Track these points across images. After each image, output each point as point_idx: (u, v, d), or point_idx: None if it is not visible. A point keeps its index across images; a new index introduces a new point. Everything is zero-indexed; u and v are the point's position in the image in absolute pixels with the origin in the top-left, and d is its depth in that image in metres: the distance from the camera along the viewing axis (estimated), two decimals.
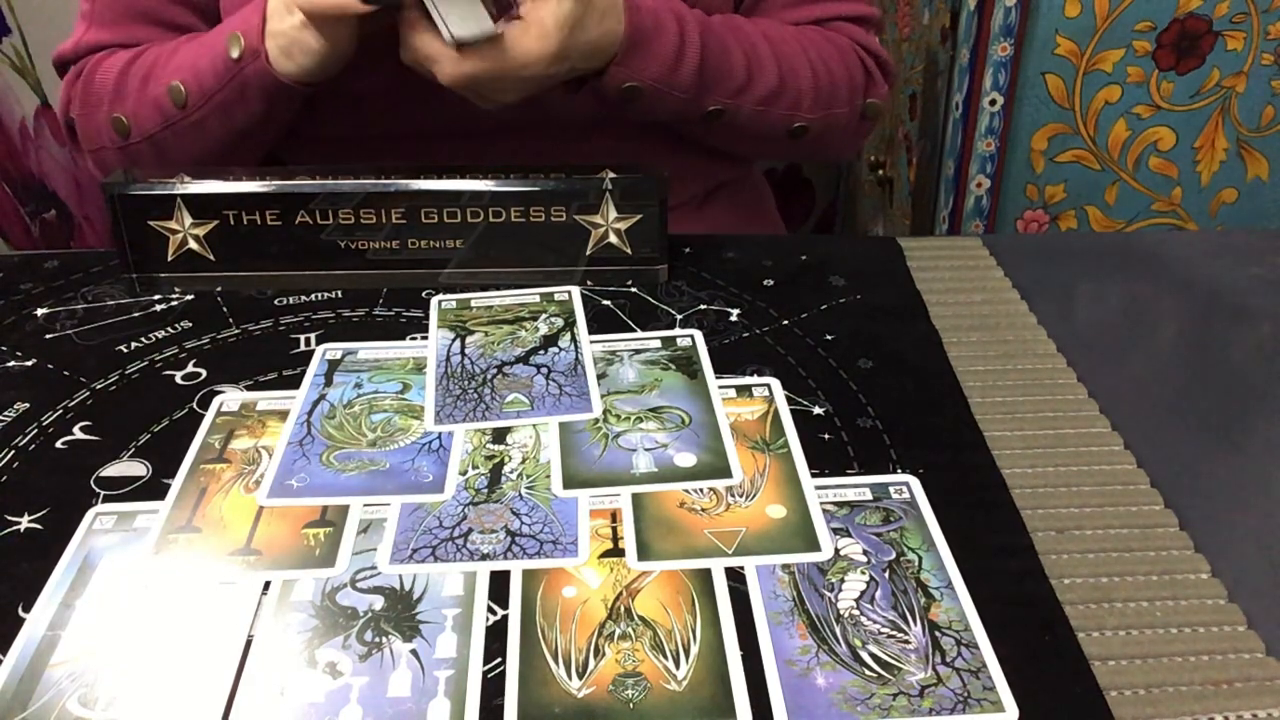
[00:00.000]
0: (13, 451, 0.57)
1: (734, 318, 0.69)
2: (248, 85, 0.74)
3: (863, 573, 0.48)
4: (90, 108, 0.82)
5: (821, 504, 0.52)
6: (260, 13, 0.73)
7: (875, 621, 0.46)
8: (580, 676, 0.43)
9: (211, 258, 0.70)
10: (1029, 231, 1.26)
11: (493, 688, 0.43)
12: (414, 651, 0.45)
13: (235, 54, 0.73)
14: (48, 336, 0.67)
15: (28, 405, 0.60)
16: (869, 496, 0.53)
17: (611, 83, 0.74)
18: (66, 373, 0.63)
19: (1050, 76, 1.16)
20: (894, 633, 0.45)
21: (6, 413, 0.60)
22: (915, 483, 0.54)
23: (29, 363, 0.64)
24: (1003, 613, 0.46)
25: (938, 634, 0.45)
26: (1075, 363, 0.65)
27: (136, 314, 0.69)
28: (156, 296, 0.71)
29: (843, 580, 0.48)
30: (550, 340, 0.65)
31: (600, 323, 0.68)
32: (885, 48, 0.91)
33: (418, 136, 0.82)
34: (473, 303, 0.69)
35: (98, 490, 0.54)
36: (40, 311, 0.70)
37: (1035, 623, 0.46)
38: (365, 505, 0.52)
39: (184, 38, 0.81)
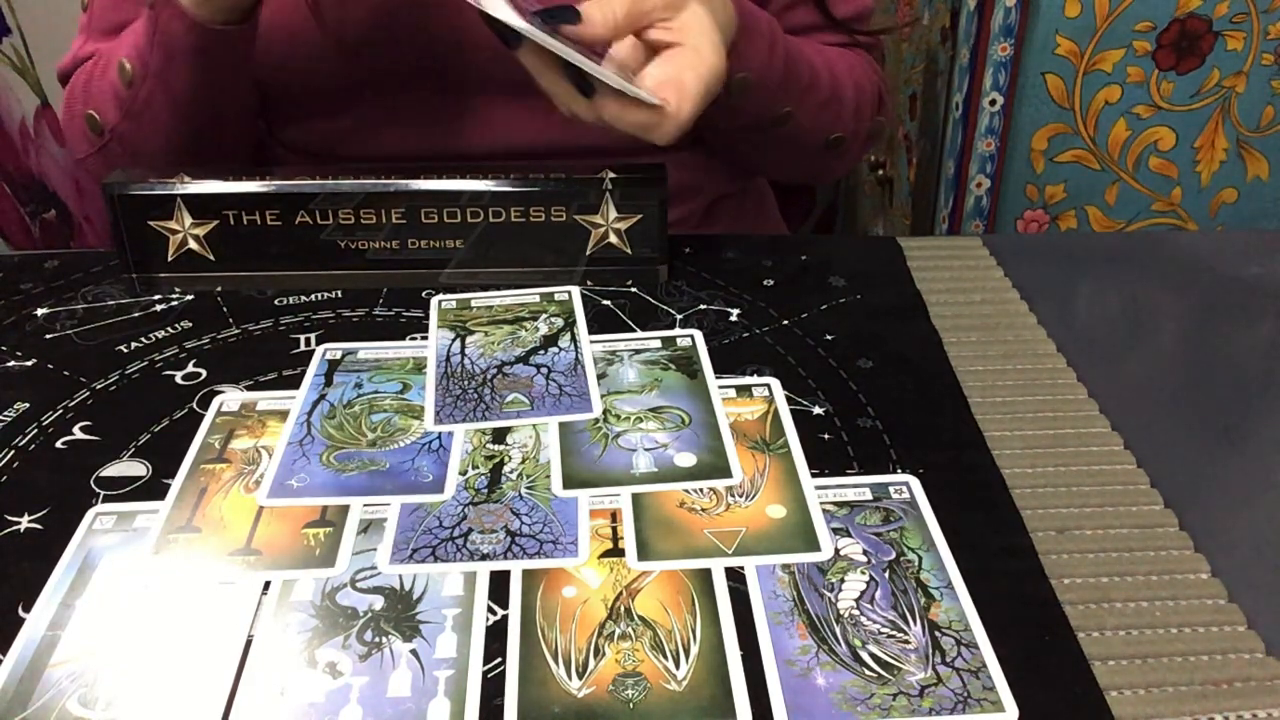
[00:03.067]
0: (13, 451, 0.57)
1: (734, 318, 0.69)
2: (170, 36, 0.71)
3: (863, 573, 0.48)
4: (71, 113, 0.82)
5: (821, 504, 0.52)
6: None
7: (875, 621, 0.46)
8: (580, 676, 0.43)
9: (211, 258, 0.70)
10: (1029, 231, 1.26)
11: (492, 688, 0.43)
12: (414, 651, 0.45)
13: (149, 2, 0.70)
14: (48, 336, 0.67)
15: (28, 405, 0.60)
16: (869, 496, 0.53)
17: (728, 73, 0.69)
18: (66, 373, 0.63)
19: (1050, 76, 1.16)
20: (894, 633, 0.45)
21: (6, 413, 0.60)
22: (915, 483, 0.54)
23: (29, 363, 0.64)
24: (1003, 613, 0.46)
25: (938, 634, 0.45)
26: (1075, 363, 0.65)
27: (136, 314, 0.69)
28: (156, 296, 0.71)
29: (843, 580, 0.48)
30: (550, 340, 0.65)
31: (600, 323, 0.68)
32: (885, 48, 0.92)
33: (434, 159, 0.82)
34: (473, 303, 0.69)
35: (98, 490, 0.54)
36: (40, 311, 0.70)
37: (1035, 623, 0.46)
38: (365, 505, 0.52)
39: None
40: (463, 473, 0.54)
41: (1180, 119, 1.19)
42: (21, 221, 1.47)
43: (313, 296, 0.71)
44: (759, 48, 0.73)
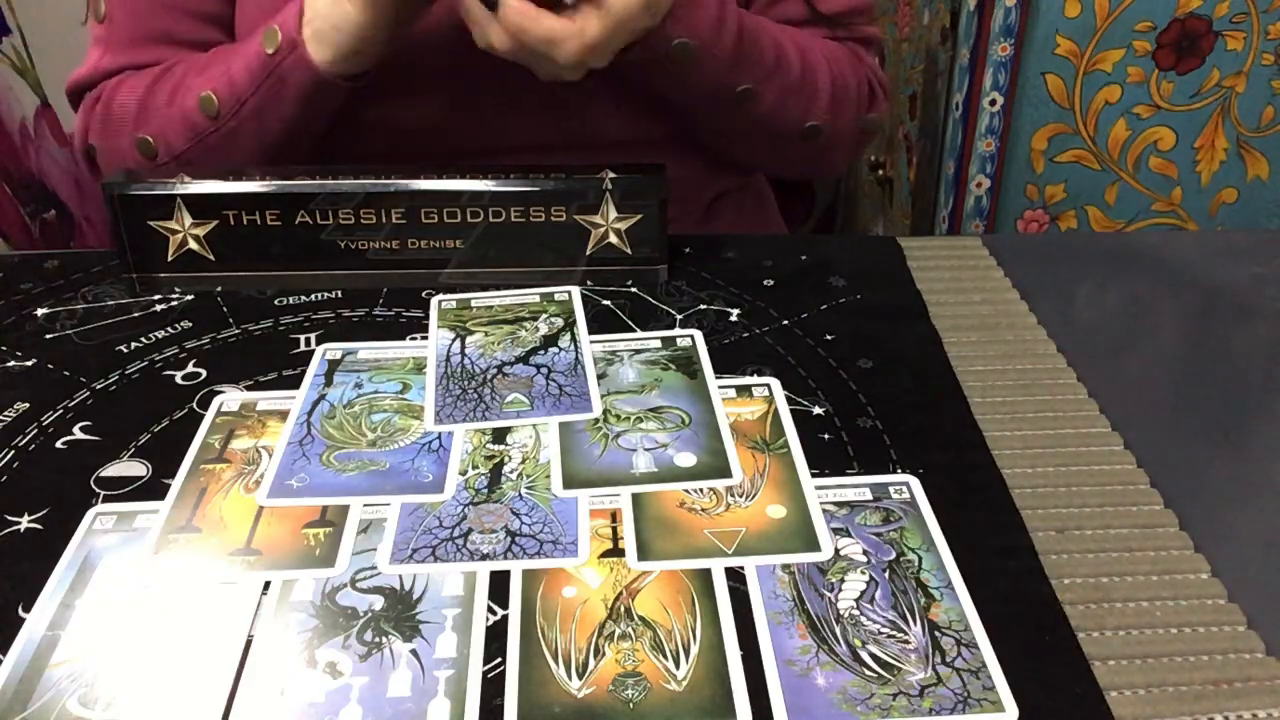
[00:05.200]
0: (13, 451, 0.57)
1: (734, 318, 0.69)
2: (284, 81, 0.73)
3: (863, 573, 0.48)
4: (112, 133, 0.81)
5: (821, 504, 0.52)
6: (298, 4, 0.71)
7: (875, 621, 0.46)
8: (580, 676, 0.43)
9: (211, 258, 0.70)
10: (1029, 231, 1.26)
11: (493, 688, 0.43)
12: (414, 651, 0.45)
13: (270, 49, 0.72)
14: (48, 336, 0.67)
15: (28, 405, 0.60)
16: (869, 496, 0.53)
17: (665, 36, 0.73)
18: (66, 373, 0.63)
19: (1050, 76, 1.16)
20: (894, 633, 0.45)
21: (6, 413, 0.60)
22: (915, 483, 0.54)
23: (29, 363, 0.64)
24: (1003, 613, 0.46)
25: (937, 634, 0.45)
26: (1075, 362, 0.65)
27: (136, 314, 0.69)
28: (156, 296, 0.71)
29: (843, 580, 0.48)
30: (550, 340, 0.65)
31: (600, 323, 0.68)
32: (885, 48, 0.91)
33: (448, 158, 0.82)
34: (473, 303, 0.69)
35: (98, 490, 0.54)
36: (40, 311, 0.70)
37: (1035, 623, 0.46)
38: (365, 505, 0.52)
39: (214, 49, 0.80)
40: (463, 473, 0.54)
41: (1180, 119, 1.19)
42: (21, 221, 1.47)
43: (313, 296, 0.71)
44: (703, 17, 0.74)
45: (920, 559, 0.49)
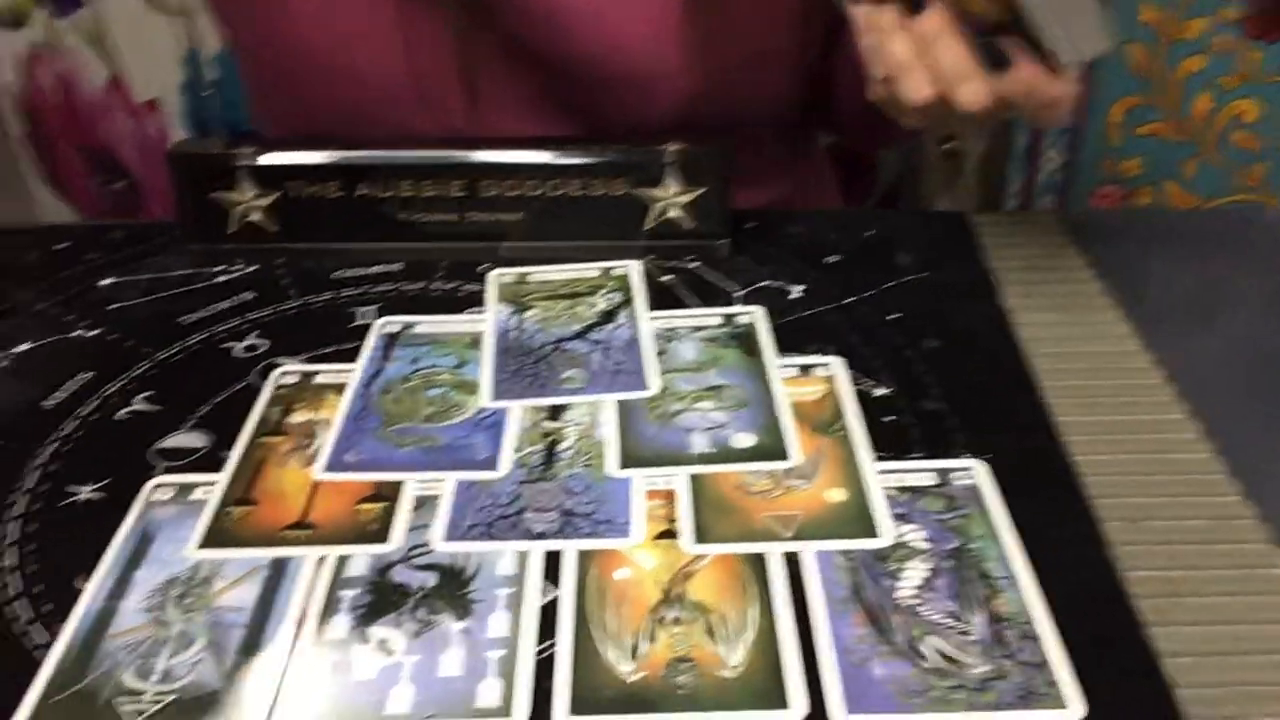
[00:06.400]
0: (76, 421, 0.57)
1: (797, 294, 0.67)
2: None
3: (924, 561, 0.47)
4: None
5: (883, 488, 0.51)
6: None
7: (935, 612, 0.45)
8: (632, 660, 0.43)
9: (273, 229, 0.71)
10: (1104, 207, 1.22)
11: (544, 669, 0.43)
12: (466, 630, 0.44)
13: None
14: (112, 306, 0.68)
15: (92, 375, 0.61)
16: (933, 481, 0.52)
17: None
18: (129, 343, 0.64)
19: (1131, 46, 1.12)
20: (955, 624, 0.44)
21: (71, 383, 0.60)
22: (982, 468, 0.52)
23: (93, 333, 0.65)
24: (1069, 605, 0.45)
25: (1000, 626, 0.44)
26: (1152, 345, 0.62)
27: (199, 285, 0.70)
28: (219, 268, 0.71)
29: (903, 568, 0.47)
30: (608, 316, 0.65)
31: (660, 298, 0.67)
32: None
33: None
34: (531, 277, 0.69)
35: (158, 461, 0.54)
36: (105, 281, 0.70)
37: (1103, 617, 0.45)
38: (420, 481, 0.52)
39: None
40: (518, 450, 0.54)
41: (1269, 90, 1.14)
42: (92, 191, 1.50)
43: (372, 270, 0.71)
44: None
45: (984, 548, 0.48)
